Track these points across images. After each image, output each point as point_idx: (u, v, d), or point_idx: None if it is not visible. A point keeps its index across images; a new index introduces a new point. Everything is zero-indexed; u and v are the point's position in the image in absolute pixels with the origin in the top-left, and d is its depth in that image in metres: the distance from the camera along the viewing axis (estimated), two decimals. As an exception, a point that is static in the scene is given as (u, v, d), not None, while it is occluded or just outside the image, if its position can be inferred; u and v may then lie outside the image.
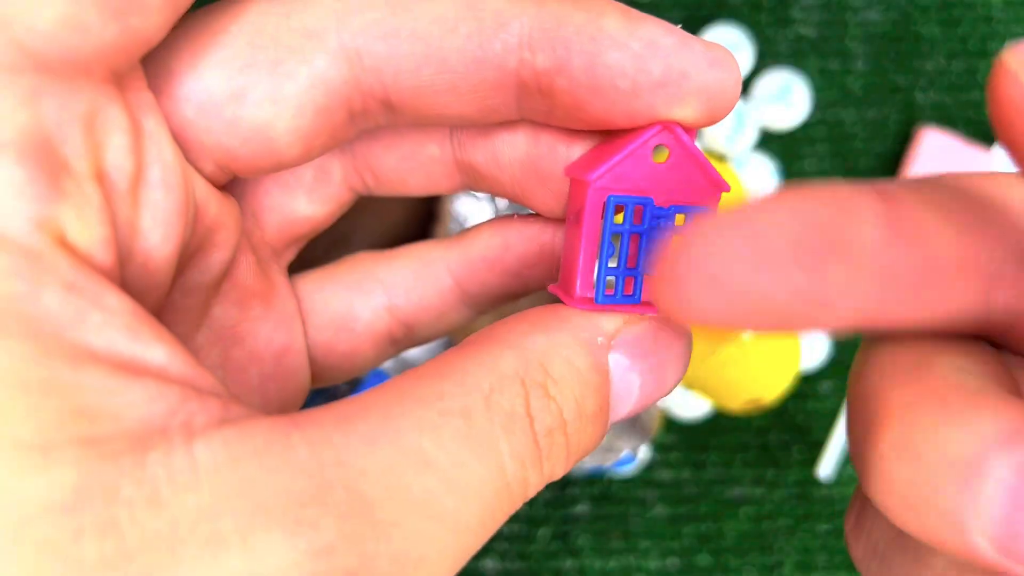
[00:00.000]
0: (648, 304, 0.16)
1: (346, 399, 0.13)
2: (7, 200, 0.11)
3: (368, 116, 0.16)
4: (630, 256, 0.16)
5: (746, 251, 0.12)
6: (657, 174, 0.16)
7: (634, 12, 0.15)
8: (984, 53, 0.43)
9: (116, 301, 0.12)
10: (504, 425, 0.13)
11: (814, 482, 0.41)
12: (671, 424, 0.41)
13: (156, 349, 0.12)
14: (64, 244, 0.12)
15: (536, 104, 0.15)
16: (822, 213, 0.13)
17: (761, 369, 0.35)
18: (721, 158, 0.41)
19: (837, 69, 0.42)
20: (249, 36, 0.15)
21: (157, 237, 0.14)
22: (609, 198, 0.15)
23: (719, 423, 0.42)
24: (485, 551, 0.41)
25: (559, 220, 0.18)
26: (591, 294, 0.16)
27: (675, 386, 0.16)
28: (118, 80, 0.13)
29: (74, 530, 0.11)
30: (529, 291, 0.19)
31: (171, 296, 0.16)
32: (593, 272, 0.16)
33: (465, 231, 0.19)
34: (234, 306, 0.17)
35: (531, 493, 0.14)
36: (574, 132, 0.16)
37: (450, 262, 0.18)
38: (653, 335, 0.16)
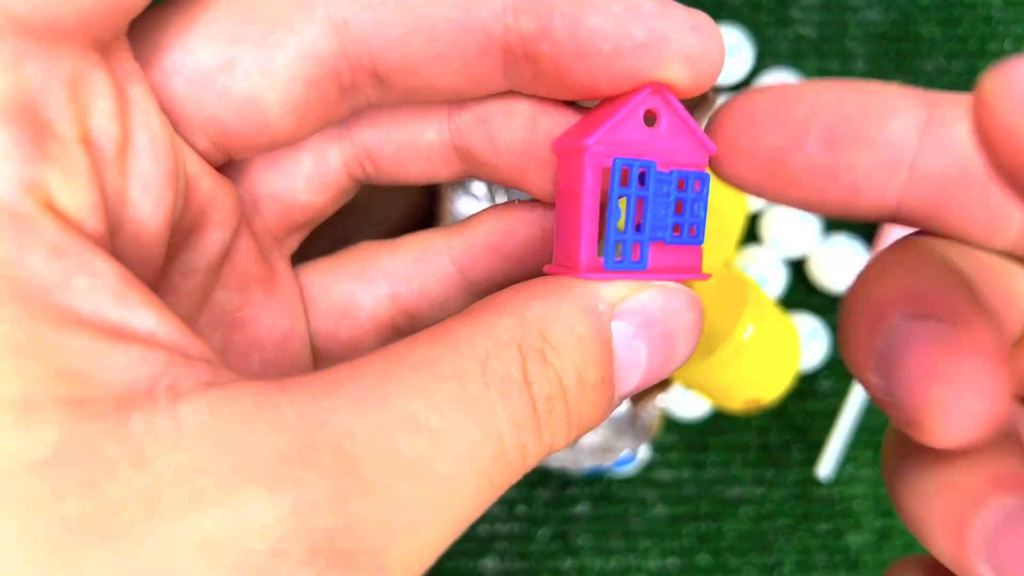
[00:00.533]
0: (658, 271, 0.16)
1: (339, 365, 0.13)
2: None
3: (358, 90, 0.16)
4: (636, 221, 0.15)
5: (780, 131, 0.15)
6: (651, 138, 0.16)
7: None
8: (984, 53, 0.43)
9: (104, 266, 0.12)
10: (500, 390, 0.13)
11: (814, 482, 0.41)
12: (671, 424, 0.41)
13: (144, 314, 0.12)
14: (51, 208, 0.12)
15: (522, 71, 0.15)
16: (858, 103, 0.15)
17: (760, 369, 0.35)
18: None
19: (837, 69, 0.43)
20: (239, 8, 0.15)
21: (147, 207, 0.14)
22: (616, 160, 0.15)
23: (719, 423, 0.42)
24: (485, 550, 0.41)
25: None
26: (599, 262, 0.15)
27: (685, 357, 0.16)
28: (102, 47, 0.13)
29: (56, 486, 0.11)
30: (529, 277, 0.19)
31: (171, 277, 0.16)
32: (596, 241, 0.15)
33: (467, 219, 0.19)
34: (235, 291, 0.17)
35: (531, 462, 0.14)
36: (570, 115, 0.16)
37: (452, 250, 0.19)
38: (661, 302, 0.15)
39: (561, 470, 0.40)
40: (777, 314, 0.36)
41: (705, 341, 0.35)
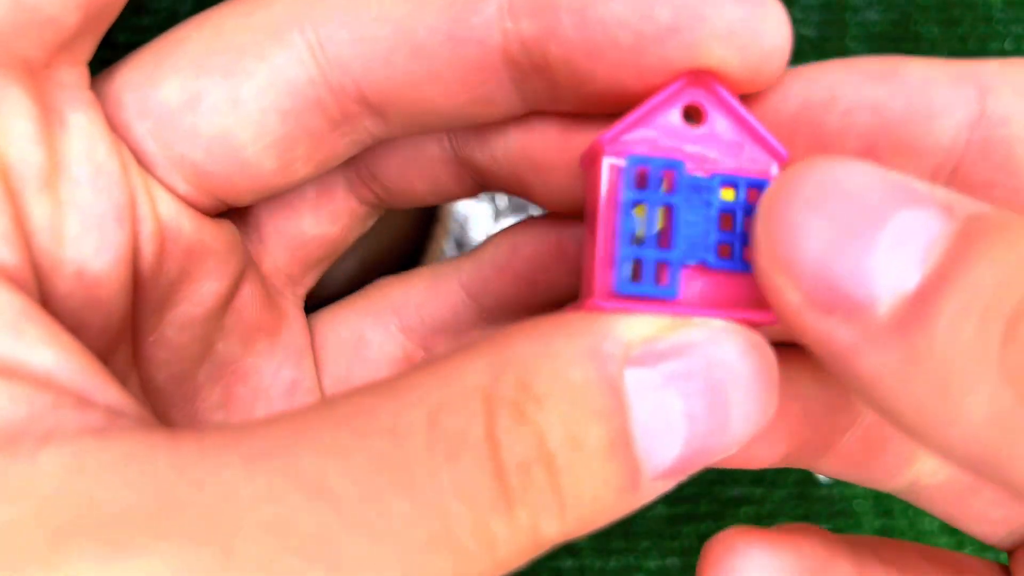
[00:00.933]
0: (698, 304, 0.12)
1: (260, 417, 0.12)
2: None
3: (354, 123, 0.14)
4: (661, 236, 0.12)
5: (812, 142, 0.13)
6: (694, 139, 0.12)
7: None
8: (984, 53, 0.43)
9: (2, 297, 0.11)
10: (449, 451, 0.10)
11: (814, 482, 0.41)
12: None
13: (41, 352, 0.11)
14: None
15: (536, 85, 0.13)
16: (902, 103, 0.13)
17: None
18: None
19: (837, 69, 0.43)
20: (208, 40, 0.13)
21: (89, 245, 0.13)
22: (629, 158, 0.12)
23: (719, 423, 0.42)
24: (485, 551, 0.41)
25: (568, 216, 0.16)
26: (612, 285, 0.12)
27: (749, 425, 0.11)
28: (28, 67, 0.12)
29: None
30: (547, 302, 0.17)
31: (162, 331, 0.15)
32: (618, 263, 0.12)
33: (478, 245, 0.18)
34: (238, 341, 0.16)
35: (504, 553, 0.10)
36: (570, 116, 0.14)
37: (461, 276, 0.17)
38: (704, 345, 0.11)
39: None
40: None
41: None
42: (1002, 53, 0.43)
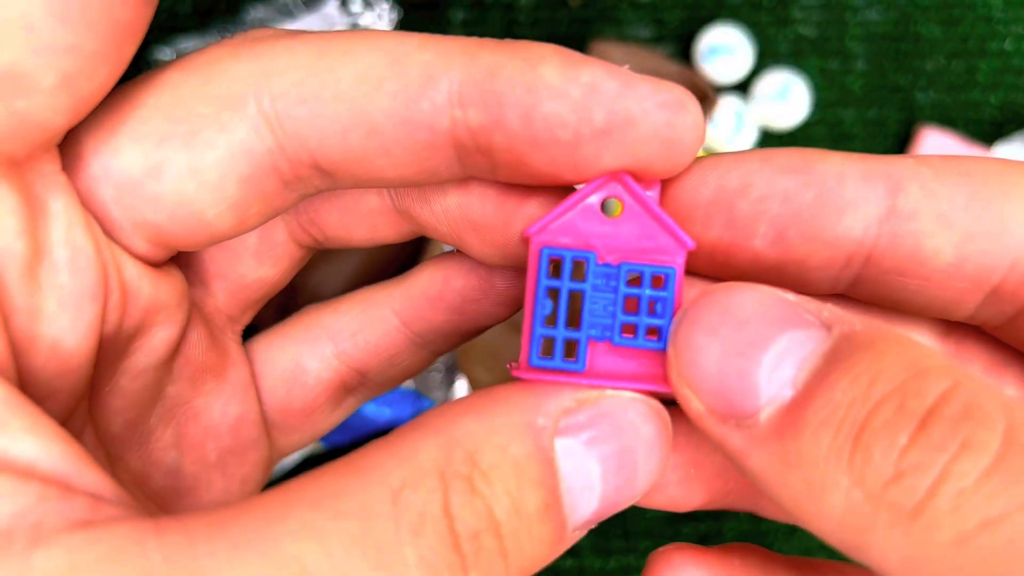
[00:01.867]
0: (606, 376, 0.14)
1: (232, 503, 0.11)
2: None
3: (304, 182, 0.15)
4: (572, 317, 0.14)
5: (726, 227, 0.14)
6: (610, 230, 0.14)
7: (575, 56, 0.13)
8: (984, 53, 0.43)
9: None
10: (413, 527, 0.11)
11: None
12: (671, 424, 0.42)
13: (25, 442, 0.11)
14: None
15: (478, 162, 0.14)
16: (812, 195, 0.14)
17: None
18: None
19: (837, 69, 0.43)
20: (167, 108, 0.14)
21: (65, 321, 0.13)
22: (543, 250, 0.14)
23: (719, 423, 0.42)
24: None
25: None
26: (528, 359, 0.14)
27: (651, 478, 0.14)
28: (12, 162, 0.13)
29: None
30: (477, 329, 0.18)
31: (118, 381, 0.15)
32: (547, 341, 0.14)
33: (407, 272, 0.18)
34: (187, 383, 0.16)
35: None
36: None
37: (393, 303, 0.17)
38: (612, 414, 0.13)
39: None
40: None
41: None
42: (1002, 53, 0.43)
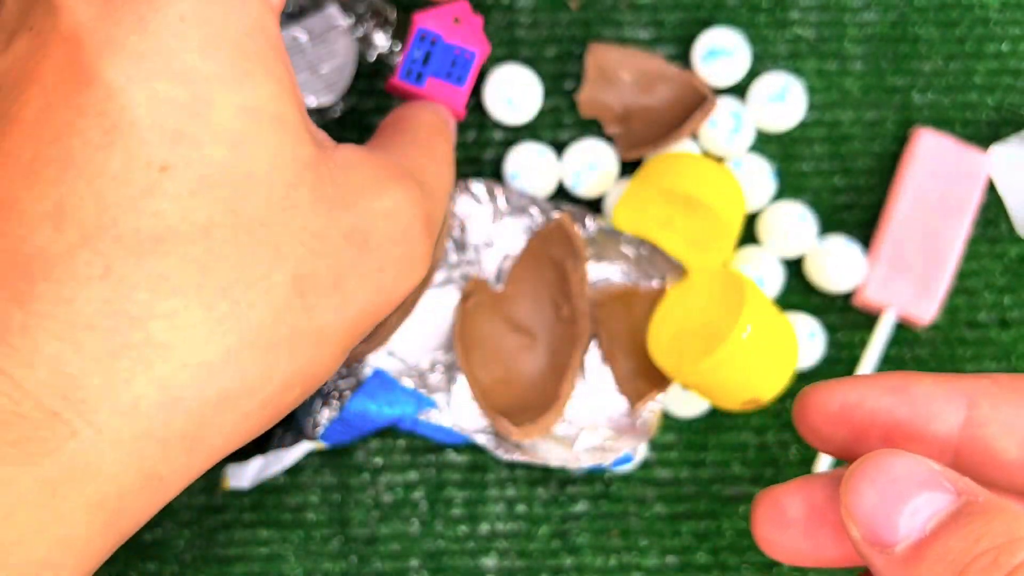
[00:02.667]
0: (430, 92, 0.33)
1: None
2: None
3: None
4: (423, 60, 0.33)
5: (849, 430, 0.21)
6: (457, 28, 0.33)
7: None
8: (981, 55, 0.43)
9: None
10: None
11: (812, 481, 0.42)
12: (669, 423, 0.42)
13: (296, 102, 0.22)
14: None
15: None
16: (908, 409, 0.20)
17: (759, 368, 0.36)
18: (719, 159, 0.42)
19: (835, 70, 0.43)
20: None
21: None
22: (419, 28, 0.32)
23: (717, 422, 0.42)
24: (486, 549, 0.41)
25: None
26: (399, 76, 0.32)
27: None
28: None
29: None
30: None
31: None
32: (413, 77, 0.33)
33: None
34: None
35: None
36: None
37: None
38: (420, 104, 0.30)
39: (561, 468, 0.41)
40: (776, 314, 0.36)
41: (704, 341, 0.36)
42: (999, 55, 0.43)
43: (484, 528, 0.41)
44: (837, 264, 0.41)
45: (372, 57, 0.36)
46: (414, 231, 0.21)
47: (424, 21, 0.33)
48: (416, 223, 0.21)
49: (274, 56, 0.20)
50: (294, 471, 0.41)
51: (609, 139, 0.42)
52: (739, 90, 0.42)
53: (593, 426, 0.39)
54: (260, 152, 0.19)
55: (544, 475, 0.41)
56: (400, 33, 0.36)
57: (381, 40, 0.39)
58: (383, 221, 0.20)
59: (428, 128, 0.26)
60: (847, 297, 0.42)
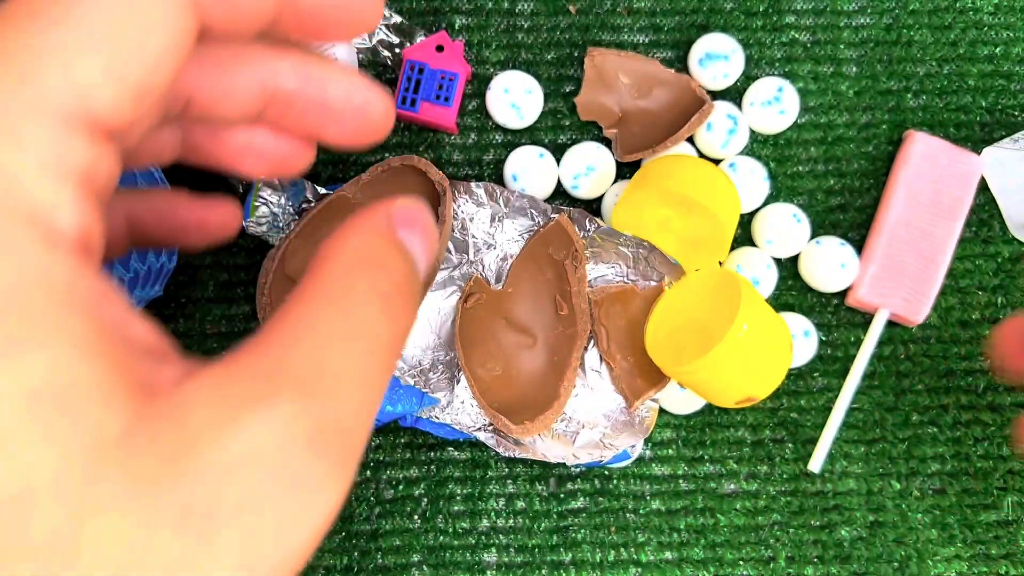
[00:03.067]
0: (423, 116, 0.40)
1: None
2: None
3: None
4: (415, 88, 0.40)
5: None
6: (439, 56, 0.40)
7: None
8: (974, 58, 0.43)
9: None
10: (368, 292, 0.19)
11: (807, 477, 0.42)
12: (666, 420, 0.42)
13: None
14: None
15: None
16: None
17: (754, 366, 0.36)
18: (715, 161, 0.42)
19: (829, 74, 0.43)
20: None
21: None
22: (407, 60, 0.39)
23: (714, 419, 0.42)
24: (486, 544, 0.41)
25: None
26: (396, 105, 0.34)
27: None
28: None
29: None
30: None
31: None
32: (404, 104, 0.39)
33: None
34: None
35: None
36: None
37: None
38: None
39: (560, 464, 0.41)
40: (770, 313, 0.37)
41: (700, 339, 0.36)
42: (992, 58, 0.43)
43: (484, 524, 0.42)
44: (830, 264, 0.41)
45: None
46: (293, 458, 0.16)
47: (411, 53, 0.39)
48: (294, 447, 0.16)
49: (62, 312, 0.15)
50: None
51: (607, 142, 0.42)
52: (735, 93, 0.43)
53: (592, 423, 0.39)
54: (36, 454, 0.14)
55: (543, 472, 0.42)
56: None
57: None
58: (239, 470, 0.15)
59: (345, 275, 0.18)
60: (840, 297, 0.43)
